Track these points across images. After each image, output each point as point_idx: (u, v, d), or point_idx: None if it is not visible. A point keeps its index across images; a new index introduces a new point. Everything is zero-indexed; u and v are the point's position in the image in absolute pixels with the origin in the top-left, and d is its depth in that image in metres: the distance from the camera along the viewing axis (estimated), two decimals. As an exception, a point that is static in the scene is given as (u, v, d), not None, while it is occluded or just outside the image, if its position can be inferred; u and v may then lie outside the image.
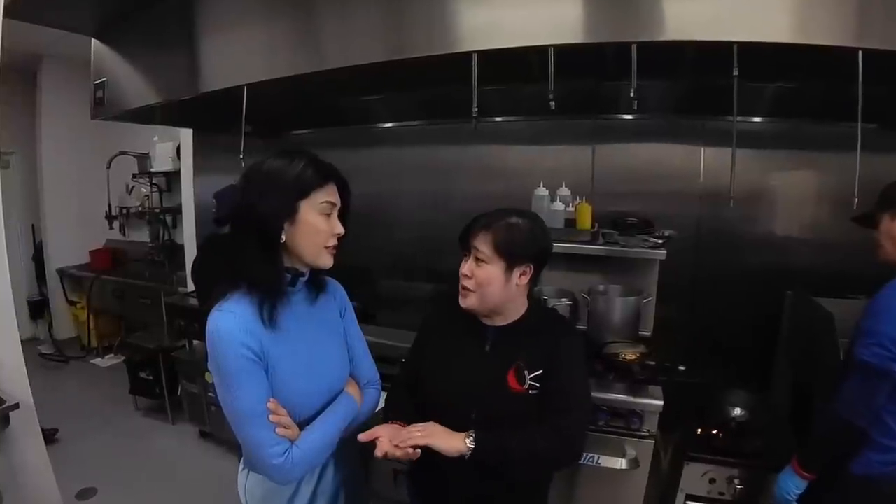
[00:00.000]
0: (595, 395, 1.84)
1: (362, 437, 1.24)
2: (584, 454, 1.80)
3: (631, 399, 1.91)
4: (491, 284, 1.29)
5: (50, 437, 3.29)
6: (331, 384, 1.25)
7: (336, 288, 1.37)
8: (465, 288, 1.33)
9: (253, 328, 1.09)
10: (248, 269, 1.13)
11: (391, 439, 1.21)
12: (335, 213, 1.18)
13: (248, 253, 1.12)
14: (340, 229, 1.18)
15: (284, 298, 1.16)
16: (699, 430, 1.96)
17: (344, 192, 1.21)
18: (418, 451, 1.20)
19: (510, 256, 1.28)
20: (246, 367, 1.07)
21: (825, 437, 1.49)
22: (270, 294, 1.13)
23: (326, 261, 1.19)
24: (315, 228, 1.15)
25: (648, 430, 1.91)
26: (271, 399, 1.11)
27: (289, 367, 1.15)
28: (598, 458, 1.88)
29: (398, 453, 1.20)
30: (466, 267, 1.33)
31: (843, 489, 1.47)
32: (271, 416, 1.09)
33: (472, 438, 1.18)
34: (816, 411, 1.68)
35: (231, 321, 1.08)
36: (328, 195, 1.16)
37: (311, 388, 1.20)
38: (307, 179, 1.13)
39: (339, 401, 1.25)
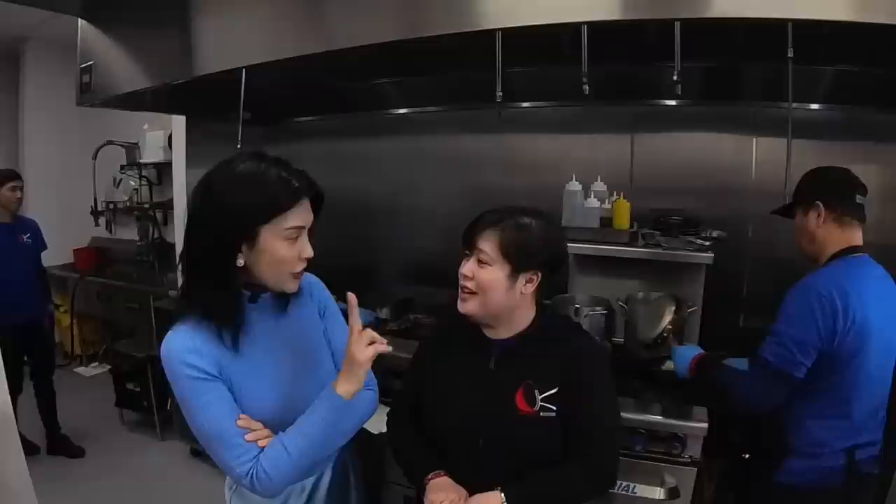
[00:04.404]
0: (631, 416, 1.84)
1: None
2: (619, 482, 1.79)
3: (672, 421, 1.87)
4: (493, 289, 1.29)
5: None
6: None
7: (311, 284, 1.31)
8: (465, 289, 1.33)
9: (202, 348, 1.09)
10: (198, 294, 1.11)
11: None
12: (304, 234, 1.14)
13: (199, 273, 1.11)
14: (309, 252, 1.14)
15: (244, 320, 1.14)
16: (746, 456, 1.93)
17: (318, 203, 1.17)
18: None
19: (517, 260, 1.29)
20: (196, 388, 1.08)
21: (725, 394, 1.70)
22: (226, 322, 1.11)
23: (291, 286, 1.16)
24: (279, 257, 1.11)
25: (691, 457, 1.87)
26: (241, 416, 1.10)
27: (256, 392, 1.14)
28: (634, 486, 1.86)
29: None
30: (467, 267, 1.32)
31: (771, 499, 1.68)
32: (247, 436, 1.09)
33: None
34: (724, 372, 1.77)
35: (179, 341, 1.08)
36: (297, 218, 1.10)
37: (289, 411, 1.15)
38: (272, 201, 1.07)
39: (321, 399, 1.14)
